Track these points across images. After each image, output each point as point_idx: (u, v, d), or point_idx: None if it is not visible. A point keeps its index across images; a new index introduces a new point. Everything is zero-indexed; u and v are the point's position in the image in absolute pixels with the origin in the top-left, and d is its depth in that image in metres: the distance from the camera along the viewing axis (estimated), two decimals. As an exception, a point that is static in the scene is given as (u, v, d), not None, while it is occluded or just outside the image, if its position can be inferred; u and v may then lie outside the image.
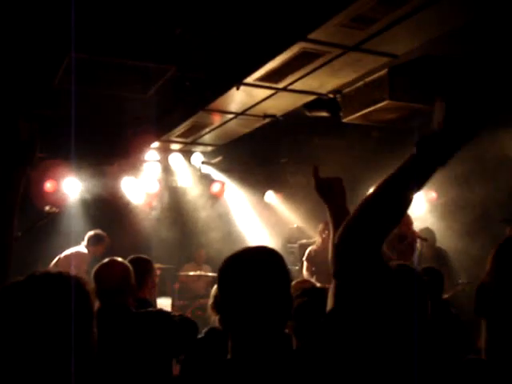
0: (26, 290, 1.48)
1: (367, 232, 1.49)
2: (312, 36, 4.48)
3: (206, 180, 9.45)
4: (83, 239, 7.08)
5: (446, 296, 5.05)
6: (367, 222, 1.50)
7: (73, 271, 5.14)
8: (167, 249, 8.69)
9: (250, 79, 5.43)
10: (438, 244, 6.16)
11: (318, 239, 7.68)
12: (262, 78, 5.42)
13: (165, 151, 8.82)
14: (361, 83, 5.64)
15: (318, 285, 3.78)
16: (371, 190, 1.56)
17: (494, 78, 4.98)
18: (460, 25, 4.26)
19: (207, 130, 7.43)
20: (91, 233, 7.08)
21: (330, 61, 4.99)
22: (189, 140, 8.08)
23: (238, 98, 6.05)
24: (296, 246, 8.90)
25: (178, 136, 7.83)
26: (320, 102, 6.11)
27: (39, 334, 1.43)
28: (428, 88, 5.14)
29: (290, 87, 5.70)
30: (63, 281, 1.52)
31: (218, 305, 1.65)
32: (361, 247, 1.48)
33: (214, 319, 3.33)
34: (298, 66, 5.13)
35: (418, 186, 1.51)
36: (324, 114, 6.19)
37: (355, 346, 1.49)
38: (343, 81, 5.57)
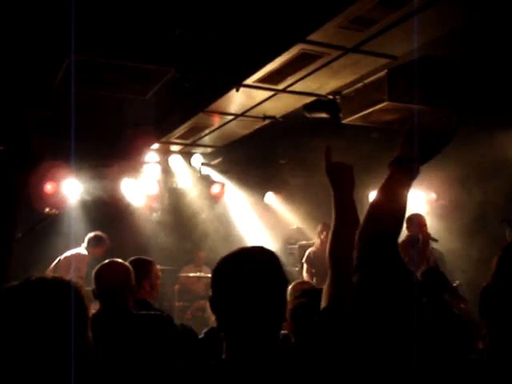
0: (20, 295, 1.49)
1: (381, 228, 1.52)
2: (311, 37, 4.49)
3: (206, 181, 9.45)
4: (83, 241, 7.08)
5: None
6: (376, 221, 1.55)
7: (73, 273, 5.18)
8: (167, 250, 8.69)
9: (249, 81, 5.44)
10: (436, 245, 6.15)
11: (316, 240, 7.69)
12: (262, 80, 5.43)
13: (164, 153, 8.82)
14: (360, 84, 5.66)
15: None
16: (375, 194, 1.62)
17: (491, 78, 5.00)
18: (459, 26, 4.27)
19: (207, 131, 7.43)
20: (91, 234, 7.08)
21: (330, 62, 5.00)
22: (188, 141, 8.08)
23: (237, 100, 6.05)
24: (296, 247, 8.91)
25: (178, 137, 7.83)
26: (319, 103, 6.12)
27: (33, 338, 1.43)
28: (427, 89, 5.15)
29: (290, 88, 5.71)
30: (58, 286, 1.53)
31: (211, 305, 1.64)
32: (380, 241, 1.50)
33: (214, 320, 3.33)
34: (297, 68, 5.14)
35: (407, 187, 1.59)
36: (323, 115, 6.20)
37: (351, 344, 1.49)
38: (342, 82, 5.58)
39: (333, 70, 5.17)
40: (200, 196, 9.49)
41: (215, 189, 9.56)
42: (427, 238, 5.66)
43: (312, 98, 6.06)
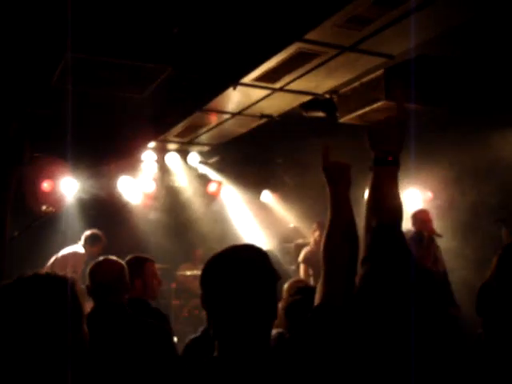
0: (15, 291, 1.49)
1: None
2: (308, 36, 4.50)
3: (203, 180, 9.45)
4: (80, 239, 7.07)
5: None
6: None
7: (69, 271, 5.19)
8: (164, 248, 8.69)
9: (246, 79, 5.44)
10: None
11: (311, 240, 7.71)
12: (259, 78, 5.43)
13: (161, 151, 8.82)
14: (357, 83, 5.66)
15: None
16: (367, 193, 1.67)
17: (487, 78, 5.01)
18: (455, 25, 4.28)
19: (204, 129, 7.43)
20: (88, 232, 7.08)
21: (326, 61, 5.01)
22: (185, 140, 8.08)
23: (234, 98, 6.06)
24: (292, 245, 8.91)
25: (175, 136, 7.83)
26: (316, 102, 6.12)
27: (28, 334, 1.44)
28: (424, 88, 5.16)
29: (287, 87, 5.71)
30: (52, 281, 1.54)
31: (202, 303, 1.64)
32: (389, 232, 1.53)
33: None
34: (294, 67, 5.14)
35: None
36: (320, 114, 6.20)
37: (344, 342, 1.49)
38: (339, 81, 5.59)
39: (330, 68, 5.18)
40: (197, 194, 9.49)
41: (212, 187, 9.57)
42: (432, 233, 5.63)
43: (309, 97, 6.07)
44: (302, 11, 4.32)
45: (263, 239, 9.31)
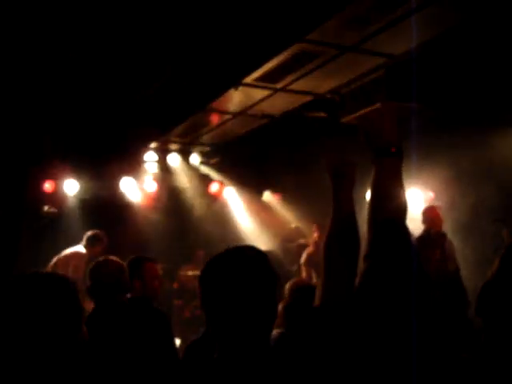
0: (14, 289, 1.50)
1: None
2: (310, 37, 4.51)
3: (205, 180, 9.45)
4: (81, 239, 7.08)
5: None
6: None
7: (71, 271, 5.19)
8: (166, 249, 8.69)
9: (248, 79, 5.45)
10: None
11: (311, 241, 7.73)
12: (260, 79, 5.44)
13: (163, 151, 8.82)
14: (358, 84, 5.66)
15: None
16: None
17: (487, 79, 5.01)
18: (455, 25, 4.29)
19: (205, 130, 7.44)
20: (89, 233, 7.08)
21: (328, 61, 5.01)
22: (187, 140, 8.09)
23: (236, 99, 6.06)
24: (294, 245, 8.91)
25: (177, 136, 7.84)
26: (318, 102, 6.12)
27: (28, 333, 1.44)
28: (425, 89, 5.16)
29: (288, 87, 5.72)
30: (52, 281, 1.54)
31: (201, 304, 1.63)
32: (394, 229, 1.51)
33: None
34: (296, 67, 5.15)
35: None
36: (322, 114, 6.21)
37: (343, 342, 1.48)
38: (340, 81, 5.59)
39: (331, 68, 5.18)
40: (198, 195, 9.49)
41: (214, 187, 9.56)
42: (438, 230, 5.59)
43: (310, 97, 6.07)
44: (304, 12, 4.32)
45: (265, 239, 9.31)
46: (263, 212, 9.83)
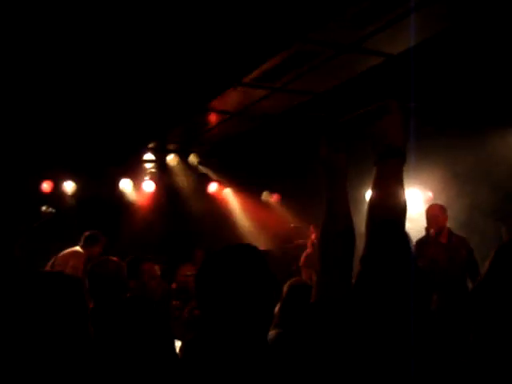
0: (25, 289, 1.50)
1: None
2: (309, 36, 4.50)
3: (203, 180, 9.45)
4: (80, 239, 7.06)
5: None
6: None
7: (70, 271, 5.17)
8: (164, 249, 8.68)
9: (247, 79, 5.44)
10: None
11: (308, 242, 7.74)
12: (259, 78, 5.43)
13: (162, 151, 8.82)
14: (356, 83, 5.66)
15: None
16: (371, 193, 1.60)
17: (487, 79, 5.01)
18: (454, 25, 4.29)
19: (204, 129, 7.43)
20: (87, 233, 7.06)
21: (327, 60, 5.01)
22: (186, 140, 8.08)
23: (235, 98, 6.06)
24: (292, 246, 8.91)
25: (176, 136, 7.83)
26: (317, 101, 6.12)
27: (38, 329, 1.45)
28: (423, 88, 5.16)
29: (287, 87, 5.71)
30: (66, 280, 1.55)
31: (197, 303, 1.63)
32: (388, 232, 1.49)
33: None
34: (295, 66, 5.14)
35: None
36: (320, 113, 6.20)
37: (338, 339, 1.47)
38: (339, 80, 5.59)
39: (330, 68, 5.18)
40: (197, 194, 9.48)
41: (212, 187, 9.56)
42: (440, 229, 5.54)
43: (309, 97, 6.07)
44: (304, 11, 4.32)
45: (263, 239, 9.31)
46: (262, 212, 9.83)
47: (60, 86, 5.82)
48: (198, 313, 8.43)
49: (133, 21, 4.51)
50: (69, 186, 8.25)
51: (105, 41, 4.84)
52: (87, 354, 1.53)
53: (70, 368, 1.46)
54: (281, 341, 1.67)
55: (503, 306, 1.37)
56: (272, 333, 2.57)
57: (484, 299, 1.42)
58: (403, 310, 1.45)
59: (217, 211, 9.74)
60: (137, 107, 6.52)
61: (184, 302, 8.90)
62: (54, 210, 6.93)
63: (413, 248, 1.58)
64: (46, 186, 8.15)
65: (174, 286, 9.03)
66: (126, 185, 8.82)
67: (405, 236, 1.52)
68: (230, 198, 9.84)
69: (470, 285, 5.22)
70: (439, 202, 6.18)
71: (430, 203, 7.08)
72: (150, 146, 8.41)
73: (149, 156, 8.80)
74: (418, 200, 7.15)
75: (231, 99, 6.11)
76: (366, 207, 1.60)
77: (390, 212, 1.51)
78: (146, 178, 8.96)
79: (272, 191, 9.88)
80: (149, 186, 8.99)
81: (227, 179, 9.56)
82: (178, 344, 3.94)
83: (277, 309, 3.25)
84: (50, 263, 6.84)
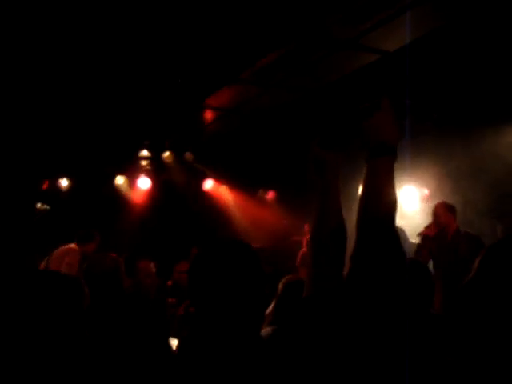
0: (23, 288, 1.50)
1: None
2: (304, 33, 4.49)
3: (199, 177, 9.44)
4: (74, 237, 7.05)
5: None
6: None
7: (65, 268, 5.16)
8: (160, 246, 8.68)
9: (242, 76, 5.43)
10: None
11: (304, 241, 7.74)
12: (255, 75, 5.42)
13: (157, 148, 8.81)
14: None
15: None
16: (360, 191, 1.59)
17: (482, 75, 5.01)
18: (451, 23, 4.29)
19: (200, 126, 7.42)
20: (82, 230, 7.05)
21: (323, 57, 5.01)
22: (182, 137, 8.07)
23: (231, 95, 6.05)
24: (288, 243, 8.91)
25: (171, 133, 7.82)
26: (313, 98, 6.12)
27: (35, 327, 1.45)
28: (418, 85, 5.16)
29: (283, 83, 5.71)
30: (59, 279, 1.55)
31: (189, 297, 1.64)
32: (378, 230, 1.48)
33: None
34: (291, 63, 5.14)
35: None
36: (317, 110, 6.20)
37: (328, 334, 1.47)
38: (335, 77, 5.58)
39: (326, 65, 5.18)
40: (192, 192, 9.48)
41: (208, 184, 9.55)
42: (443, 227, 5.53)
43: (305, 93, 6.06)
44: (299, 9, 4.31)
45: (259, 236, 9.30)
46: (257, 209, 9.83)
47: (56, 83, 5.80)
48: (194, 310, 8.42)
49: (128, 18, 4.50)
50: (64, 183, 8.22)
51: (101, 38, 4.82)
52: (82, 353, 1.53)
53: (64, 366, 1.46)
54: (275, 337, 1.66)
55: (492, 305, 1.36)
56: (267, 329, 2.58)
57: (472, 298, 1.41)
58: (394, 306, 1.45)
59: (212, 208, 9.74)
60: (132, 104, 6.51)
61: (179, 299, 8.91)
62: (48, 207, 6.91)
63: (408, 246, 1.58)
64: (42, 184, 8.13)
65: (169, 283, 9.03)
66: (122, 181, 8.80)
67: (395, 233, 1.52)
68: (226, 195, 9.83)
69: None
70: (435, 199, 6.19)
71: (426, 200, 7.10)
72: (146, 142, 8.40)
73: (144, 153, 8.78)
74: (413, 197, 7.15)
75: (227, 96, 6.10)
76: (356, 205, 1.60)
77: (381, 210, 1.51)
78: (142, 174, 8.94)
79: (268, 188, 9.87)
80: (144, 182, 8.98)
81: (223, 176, 9.55)
82: (174, 342, 3.95)
83: (272, 306, 3.26)
84: (44, 260, 6.83)
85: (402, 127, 1.63)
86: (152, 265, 4.27)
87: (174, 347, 3.71)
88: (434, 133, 5.89)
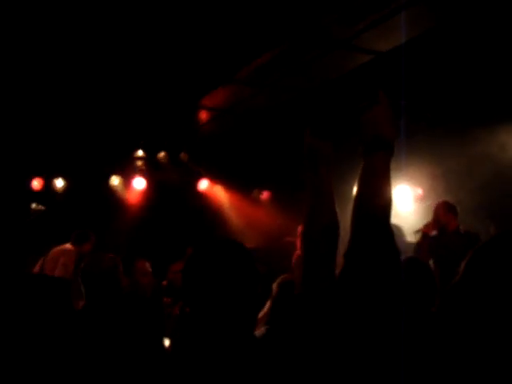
0: (9, 291, 1.50)
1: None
2: (298, 34, 4.51)
3: (194, 177, 9.43)
4: (70, 237, 7.04)
5: None
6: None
7: (60, 269, 5.16)
8: (155, 246, 8.67)
9: (237, 76, 5.44)
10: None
11: (297, 242, 7.73)
12: (250, 75, 5.43)
13: (152, 148, 8.79)
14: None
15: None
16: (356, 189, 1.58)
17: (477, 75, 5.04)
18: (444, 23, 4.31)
19: (195, 126, 7.42)
20: (77, 231, 7.04)
21: (317, 58, 5.02)
22: (177, 137, 8.07)
23: (225, 95, 6.05)
24: (282, 243, 8.90)
25: (166, 133, 7.81)
26: (308, 98, 6.13)
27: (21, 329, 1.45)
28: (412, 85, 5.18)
29: (278, 84, 5.72)
30: (44, 282, 1.55)
31: (184, 297, 1.64)
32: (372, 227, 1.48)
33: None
34: (284, 63, 5.15)
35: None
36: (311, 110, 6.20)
37: (319, 330, 1.47)
38: (330, 77, 5.60)
39: (320, 65, 5.19)
40: (187, 192, 9.47)
41: (203, 184, 9.55)
42: (441, 226, 5.56)
43: (299, 94, 6.07)
44: (294, 10, 4.32)
45: (253, 237, 9.30)
46: (252, 209, 9.83)
47: (50, 83, 5.79)
48: (189, 310, 8.41)
49: (124, 18, 4.50)
50: (59, 184, 8.20)
51: (95, 38, 4.82)
52: (73, 353, 1.53)
53: (54, 366, 1.46)
54: (267, 336, 1.67)
55: (477, 308, 1.36)
56: (261, 329, 2.58)
57: (458, 302, 1.41)
58: (388, 304, 1.45)
59: (207, 208, 9.73)
60: (127, 104, 6.51)
61: (175, 299, 8.90)
62: (43, 208, 6.89)
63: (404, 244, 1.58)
64: (37, 184, 8.11)
65: (164, 283, 9.02)
66: (116, 181, 8.79)
67: (390, 231, 1.51)
68: (221, 195, 9.83)
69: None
70: (429, 199, 6.22)
71: (420, 200, 7.12)
72: (141, 142, 8.39)
73: (139, 153, 8.77)
74: (407, 197, 7.17)
75: (222, 96, 6.11)
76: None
77: (376, 207, 1.49)
78: (137, 175, 8.93)
79: (262, 188, 9.87)
80: (139, 183, 8.97)
81: (218, 176, 9.54)
82: (166, 342, 3.96)
83: (267, 306, 3.27)
84: (40, 261, 6.82)
85: (399, 127, 1.62)
86: (148, 264, 4.28)
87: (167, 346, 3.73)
88: (427, 133, 5.92)
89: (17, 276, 1.57)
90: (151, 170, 9.11)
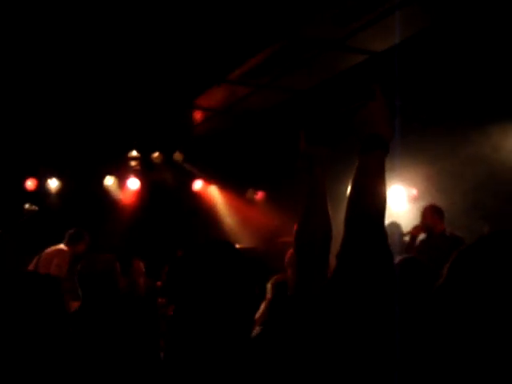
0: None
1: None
2: (294, 34, 4.51)
3: (188, 177, 9.42)
4: (63, 237, 7.01)
5: None
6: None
7: (54, 269, 5.14)
8: (149, 246, 8.66)
9: (231, 76, 5.44)
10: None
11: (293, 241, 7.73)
12: (244, 75, 5.43)
13: (147, 149, 8.79)
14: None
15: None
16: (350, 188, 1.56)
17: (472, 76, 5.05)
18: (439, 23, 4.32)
19: (190, 127, 7.42)
20: (71, 231, 7.01)
21: (312, 58, 5.02)
22: (171, 137, 8.06)
23: (220, 95, 6.05)
24: (277, 243, 8.91)
25: (161, 133, 7.80)
26: (302, 99, 6.14)
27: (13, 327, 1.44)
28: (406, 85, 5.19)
29: (273, 84, 5.72)
30: (36, 280, 1.54)
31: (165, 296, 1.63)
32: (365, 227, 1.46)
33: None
34: (280, 63, 5.15)
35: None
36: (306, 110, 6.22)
37: (311, 333, 1.46)
38: (324, 77, 5.60)
39: (315, 65, 5.20)
40: (182, 192, 9.46)
41: (197, 185, 9.54)
42: (428, 229, 5.62)
43: (293, 94, 6.08)
44: (289, 9, 4.32)
45: (248, 237, 9.30)
46: (247, 210, 9.83)
47: (45, 84, 5.78)
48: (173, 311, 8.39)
49: (118, 19, 4.49)
50: (53, 184, 8.18)
51: (90, 38, 4.81)
52: (66, 354, 1.52)
53: (45, 367, 1.45)
54: (260, 336, 1.65)
55: (459, 312, 1.35)
56: (256, 329, 2.58)
57: (439, 306, 1.39)
58: (381, 304, 1.44)
59: (202, 209, 9.72)
60: (121, 105, 6.49)
61: (169, 300, 8.89)
62: (36, 208, 6.87)
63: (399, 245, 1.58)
64: (30, 184, 8.08)
65: (158, 284, 9.01)
66: (110, 182, 8.77)
67: (383, 232, 1.50)
68: (215, 195, 9.82)
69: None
70: (423, 199, 6.23)
71: (414, 200, 7.13)
72: (135, 143, 8.38)
73: (133, 153, 8.76)
74: (401, 197, 7.18)
75: (216, 96, 6.10)
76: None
77: (370, 207, 1.48)
78: (131, 175, 8.92)
79: (257, 189, 9.87)
80: (133, 183, 8.95)
81: (212, 176, 9.54)
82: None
83: (263, 307, 3.25)
84: (34, 261, 6.78)
85: (394, 127, 1.60)
86: (142, 264, 4.27)
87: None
88: (421, 133, 5.93)
89: (7, 274, 1.56)
90: (145, 171, 9.10)
